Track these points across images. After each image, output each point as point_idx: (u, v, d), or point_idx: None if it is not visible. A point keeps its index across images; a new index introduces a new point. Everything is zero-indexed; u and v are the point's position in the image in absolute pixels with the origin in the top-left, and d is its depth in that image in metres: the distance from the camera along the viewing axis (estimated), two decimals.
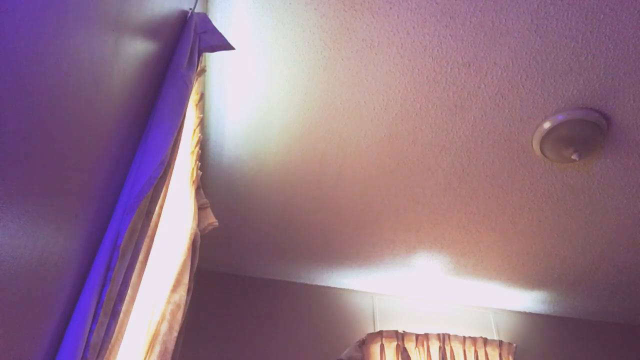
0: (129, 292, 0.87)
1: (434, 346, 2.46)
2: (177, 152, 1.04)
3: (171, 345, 1.27)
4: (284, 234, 2.35)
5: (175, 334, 1.30)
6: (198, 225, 1.64)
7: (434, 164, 1.94)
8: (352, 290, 2.76)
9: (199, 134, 1.59)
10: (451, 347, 2.48)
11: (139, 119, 0.98)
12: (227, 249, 2.48)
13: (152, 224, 0.98)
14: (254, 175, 2.03)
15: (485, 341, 2.55)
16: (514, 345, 2.60)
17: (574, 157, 1.75)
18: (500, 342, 2.57)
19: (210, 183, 2.08)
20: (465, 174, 1.98)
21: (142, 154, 0.91)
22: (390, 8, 1.46)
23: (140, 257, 0.93)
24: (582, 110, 1.69)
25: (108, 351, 0.82)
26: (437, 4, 1.44)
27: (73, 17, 0.63)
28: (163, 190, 1.00)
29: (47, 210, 0.62)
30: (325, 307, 2.65)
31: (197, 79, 1.35)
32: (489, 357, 2.51)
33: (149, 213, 0.92)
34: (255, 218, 2.26)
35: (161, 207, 1.03)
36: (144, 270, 0.95)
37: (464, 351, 2.49)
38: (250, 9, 1.48)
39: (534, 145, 1.82)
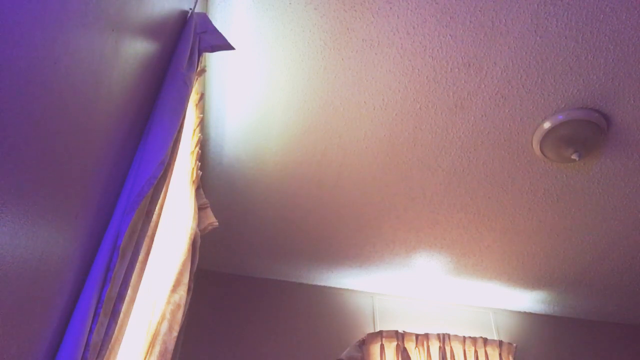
0: (129, 292, 0.87)
1: (434, 346, 2.46)
2: (177, 152, 1.04)
3: (171, 345, 1.27)
4: (284, 234, 2.35)
5: (175, 334, 1.30)
6: (198, 225, 1.64)
7: (434, 164, 1.94)
8: (352, 290, 2.76)
9: (199, 134, 1.59)
10: (451, 347, 2.48)
11: (139, 119, 0.98)
12: (227, 249, 2.48)
13: (152, 224, 0.98)
14: (254, 175, 2.03)
15: (485, 341, 2.55)
16: (514, 345, 2.60)
17: (574, 157, 1.75)
18: (500, 342, 2.57)
19: (210, 183, 2.08)
20: (465, 174, 1.98)
21: (142, 154, 0.91)
22: (390, 8, 1.46)
23: (140, 257, 0.93)
24: (582, 110, 1.69)
25: (108, 351, 0.82)
26: (437, 4, 1.44)
27: (73, 16, 0.63)
28: (163, 190, 1.00)
29: (47, 210, 0.62)
30: (325, 307, 2.65)
31: (197, 79, 1.35)
32: (489, 357, 2.51)
33: (149, 213, 0.92)
34: (255, 218, 2.26)
35: (161, 207, 1.03)
36: (144, 270, 0.95)
37: (464, 351, 2.49)
38: (250, 9, 1.48)
39: (534, 145, 1.82)
